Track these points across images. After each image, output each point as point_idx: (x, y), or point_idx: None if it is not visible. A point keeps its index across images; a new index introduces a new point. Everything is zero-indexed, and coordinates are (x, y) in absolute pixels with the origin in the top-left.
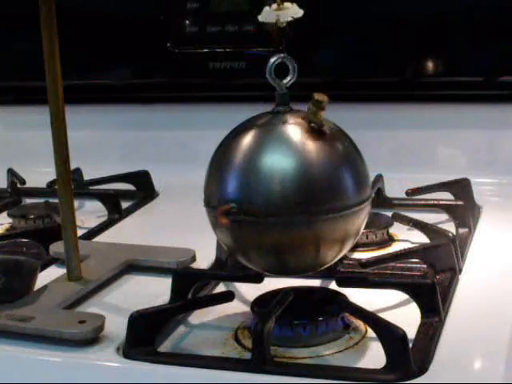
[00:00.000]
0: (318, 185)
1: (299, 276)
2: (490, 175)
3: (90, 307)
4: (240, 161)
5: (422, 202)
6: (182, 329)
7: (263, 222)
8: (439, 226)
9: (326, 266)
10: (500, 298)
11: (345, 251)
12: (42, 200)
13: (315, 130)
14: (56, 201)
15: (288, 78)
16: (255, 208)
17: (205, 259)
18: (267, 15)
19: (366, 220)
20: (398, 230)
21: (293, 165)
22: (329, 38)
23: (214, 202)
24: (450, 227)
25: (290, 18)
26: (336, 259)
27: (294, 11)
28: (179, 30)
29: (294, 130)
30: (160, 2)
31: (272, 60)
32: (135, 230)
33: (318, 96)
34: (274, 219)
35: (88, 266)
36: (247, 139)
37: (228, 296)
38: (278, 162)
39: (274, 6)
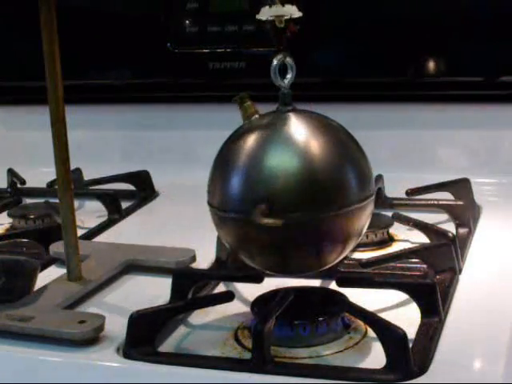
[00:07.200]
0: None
1: (300, 276)
2: (490, 175)
3: (90, 307)
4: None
5: (422, 202)
6: (182, 329)
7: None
8: (439, 225)
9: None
10: (500, 298)
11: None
12: (42, 200)
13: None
14: (56, 201)
15: (288, 78)
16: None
17: (205, 259)
18: (265, 15)
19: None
20: (398, 230)
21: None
22: (329, 38)
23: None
24: (450, 227)
25: (289, 16)
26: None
27: (291, 11)
28: (179, 30)
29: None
30: (160, 2)
31: (276, 60)
32: (135, 230)
33: (238, 97)
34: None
35: (88, 266)
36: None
37: (228, 296)
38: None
39: (273, 7)
